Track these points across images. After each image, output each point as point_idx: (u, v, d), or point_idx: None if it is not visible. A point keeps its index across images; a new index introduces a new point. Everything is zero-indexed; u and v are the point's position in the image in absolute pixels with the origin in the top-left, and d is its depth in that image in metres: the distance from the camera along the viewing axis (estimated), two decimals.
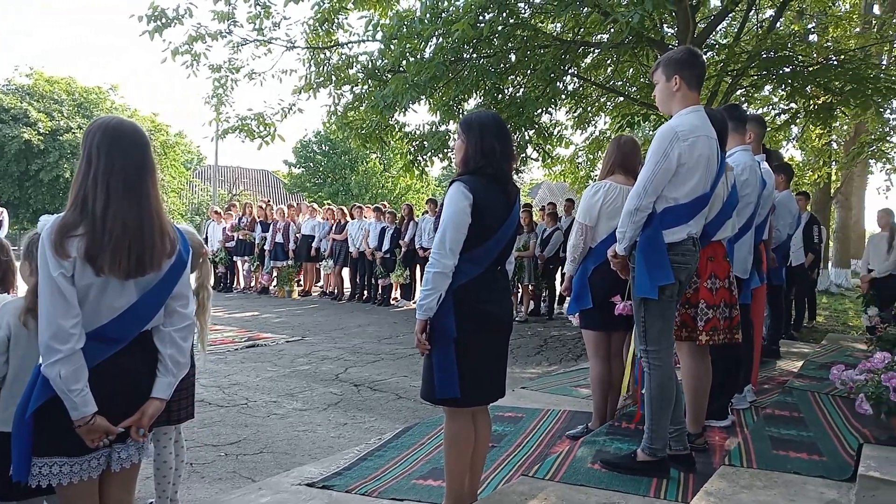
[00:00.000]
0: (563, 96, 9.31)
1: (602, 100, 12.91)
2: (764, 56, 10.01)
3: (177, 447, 3.43)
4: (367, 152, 25.45)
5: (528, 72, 8.62)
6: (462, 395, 2.90)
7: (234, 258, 13.98)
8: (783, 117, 13.65)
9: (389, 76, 9.33)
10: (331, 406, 5.62)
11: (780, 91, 11.99)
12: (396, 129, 9.97)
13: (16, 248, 3.11)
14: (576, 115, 11.92)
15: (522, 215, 10.62)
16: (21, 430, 2.13)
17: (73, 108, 25.50)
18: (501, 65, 8.21)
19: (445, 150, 9.36)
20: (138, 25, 8.24)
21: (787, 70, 10.01)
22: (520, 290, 10.78)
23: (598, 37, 10.49)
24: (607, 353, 4.39)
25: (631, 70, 12.28)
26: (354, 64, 9.75)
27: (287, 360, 7.35)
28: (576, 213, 9.31)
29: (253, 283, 13.97)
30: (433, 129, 10.22)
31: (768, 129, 11.25)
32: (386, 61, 8.83)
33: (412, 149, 10.22)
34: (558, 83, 8.98)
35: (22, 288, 2.90)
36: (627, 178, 4.37)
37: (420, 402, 5.90)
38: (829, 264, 19.50)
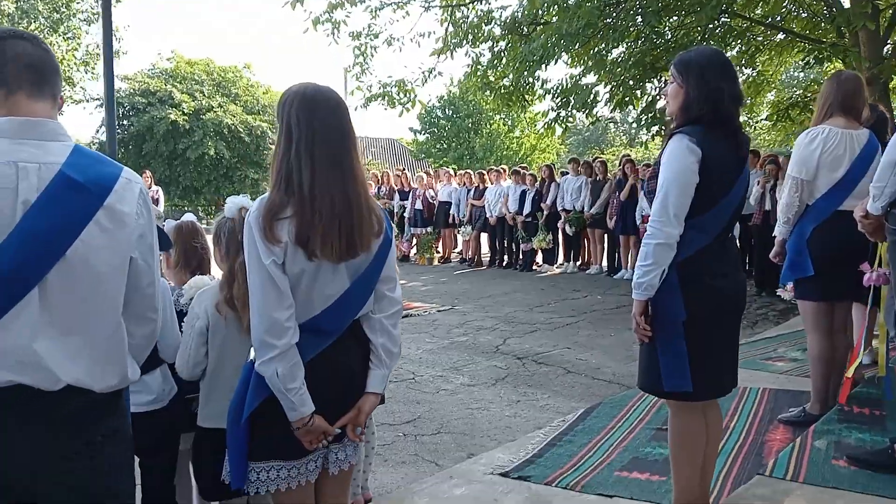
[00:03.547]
0: (731, 35, 8.37)
1: (759, 39, 11.73)
2: None
3: (367, 434, 3.25)
4: (505, 113, 25.07)
5: (687, 11, 7.82)
6: (695, 387, 2.48)
7: None
8: None
9: (528, 30, 8.84)
10: (499, 381, 5.36)
11: None
12: (538, 86, 9.46)
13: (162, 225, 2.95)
14: (734, 54, 10.83)
15: None
16: (237, 434, 1.94)
17: (213, 87, 26.73)
18: (658, 4, 7.47)
19: (592, 106, 8.77)
20: None
21: None
22: None
23: None
24: (830, 327, 3.80)
25: (786, 3, 11.02)
26: (492, 20, 9.30)
27: (443, 331, 7.17)
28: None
29: None
30: (575, 83, 9.64)
31: None
32: (527, 13, 8.32)
33: (554, 105, 9.68)
34: (718, 20, 8.08)
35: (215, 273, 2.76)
36: (849, 121, 3.73)
37: (593, 377, 5.55)
38: None
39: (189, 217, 2.72)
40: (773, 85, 13.07)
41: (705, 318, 2.47)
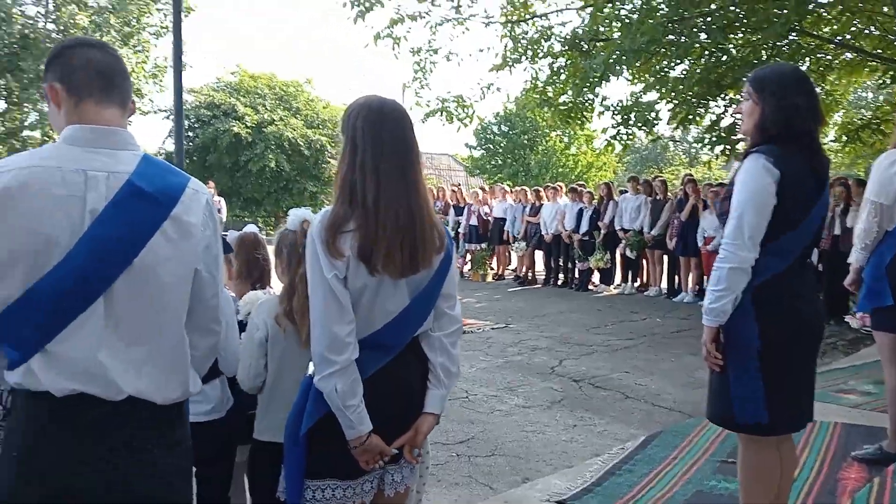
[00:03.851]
0: (799, 54, 8.10)
1: (829, 58, 11.33)
2: None
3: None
4: (562, 130, 24.98)
5: (754, 29, 7.59)
6: (770, 420, 2.35)
7: None
8: None
9: (589, 46, 8.76)
10: (554, 404, 5.24)
11: None
12: (597, 103, 9.33)
13: (225, 234, 2.95)
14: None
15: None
16: (294, 450, 1.92)
17: (275, 101, 27.29)
18: (724, 21, 7.28)
19: (653, 123, 8.59)
20: (342, 11, 8.35)
21: None
22: None
23: None
24: None
25: (856, 21, 10.61)
26: (551, 36, 9.24)
27: (497, 350, 7.08)
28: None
29: None
30: (636, 100, 9.50)
31: None
32: (588, 29, 8.23)
33: (614, 123, 9.55)
34: (786, 38, 7.81)
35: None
36: None
37: (653, 403, 5.37)
38: None
39: (251, 228, 2.73)
40: (840, 105, 12.62)
41: (783, 344, 2.35)
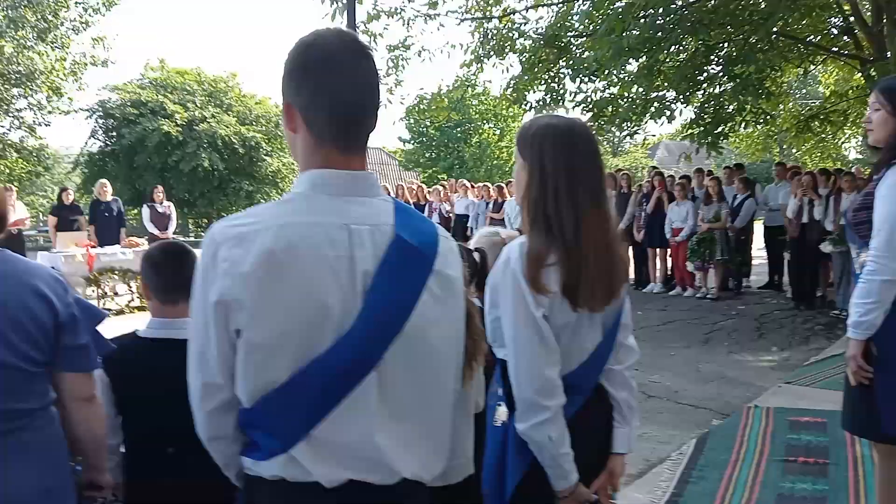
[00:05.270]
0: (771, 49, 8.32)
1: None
2: None
3: None
4: (494, 122, 25.04)
5: (733, 25, 7.76)
6: None
7: None
8: None
9: (566, 42, 8.76)
10: None
11: None
12: (571, 97, 9.35)
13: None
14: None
15: (710, 183, 9.77)
16: None
17: (205, 97, 26.07)
18: (708, 17, 7.39)
19: (634, 119, 8.67)
20: (321, 8, 8.04)
21: None
22: (711, 267, 9.82)
23: None
24: None
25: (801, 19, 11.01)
26: (523, 33, 9.20)
27: None
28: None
29: None
30: (612, 97, 9.60)
31: None
32: (579, 25, 8.24)
33: (587, 118, 9.60)
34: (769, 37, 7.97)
35: None
36: None
37: (676, 402, 5.38)
38: None
39: None
40: (791, 97, 13.14)
41: None
